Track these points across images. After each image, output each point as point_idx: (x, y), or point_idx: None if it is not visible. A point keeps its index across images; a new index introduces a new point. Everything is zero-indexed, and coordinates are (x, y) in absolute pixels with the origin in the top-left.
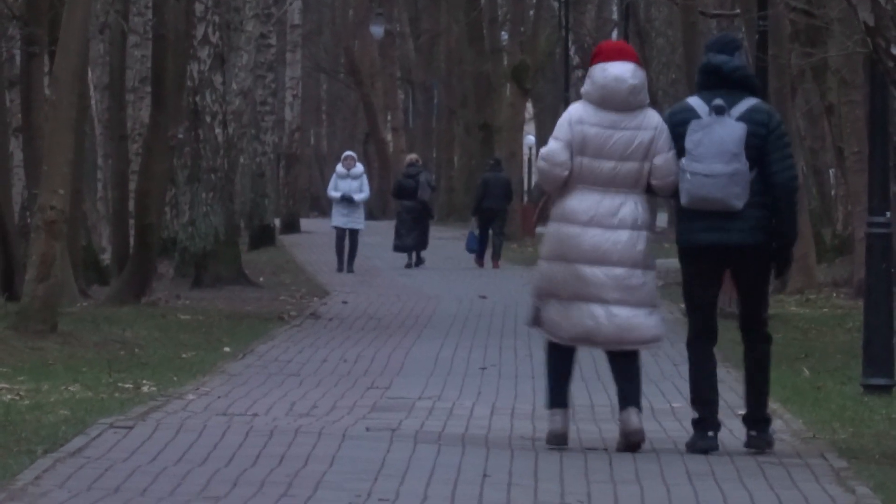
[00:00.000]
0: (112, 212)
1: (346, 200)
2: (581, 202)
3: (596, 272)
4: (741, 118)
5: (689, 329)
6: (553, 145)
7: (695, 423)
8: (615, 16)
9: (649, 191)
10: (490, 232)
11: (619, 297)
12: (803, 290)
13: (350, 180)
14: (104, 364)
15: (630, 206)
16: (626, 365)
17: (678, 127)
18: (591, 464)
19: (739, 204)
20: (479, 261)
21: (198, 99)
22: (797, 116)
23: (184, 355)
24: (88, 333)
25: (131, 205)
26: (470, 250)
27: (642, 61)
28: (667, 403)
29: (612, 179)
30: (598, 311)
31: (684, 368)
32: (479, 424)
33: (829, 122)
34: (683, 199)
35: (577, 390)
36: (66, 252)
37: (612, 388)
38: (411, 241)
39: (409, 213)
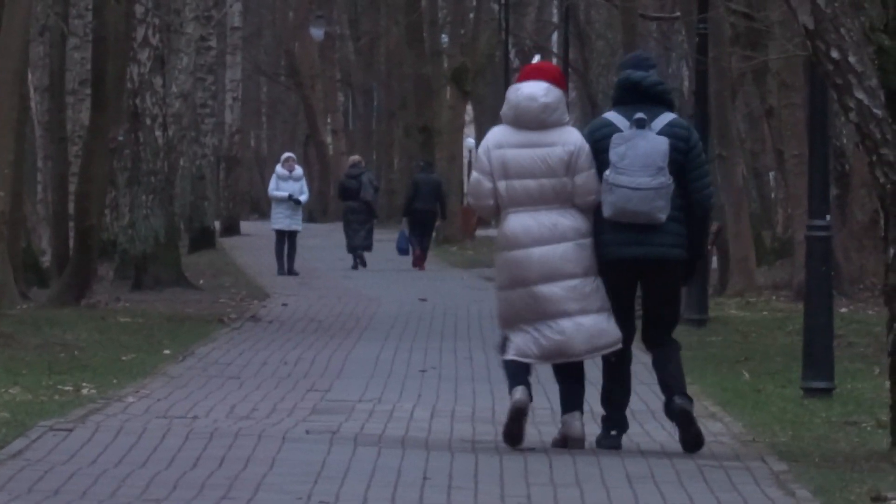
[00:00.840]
0: (52, 214)
1: (294, 202)
2: (519, 225)
3: (553, 289)
4: (662, 132)
5: None
6: (474, 178)
7: (602, 419)
8: (555, 18)
9: None
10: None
11: (580, 307)
12: (743, 293)
13: (292, 182)
14: (44, 366)
15: (567, 219)
16: (573, 370)
17: (600, 142)
18: (531, 466)
19: (663, 217)
20: (417, 262)
21: (138, 101)
22: (737, 119)
23: (124, 358)
24: (28, 336)
25: (71, 207)
26: (400, 251)
27: (581, 66)
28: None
29: (541, 197)
30: (566, 324)
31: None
32: (420, 427)
33: (770, 124)
34: (608, 212)
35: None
36: (6, 254)
37: (553, 392)
38: (359, 240)
39: (354, 213)
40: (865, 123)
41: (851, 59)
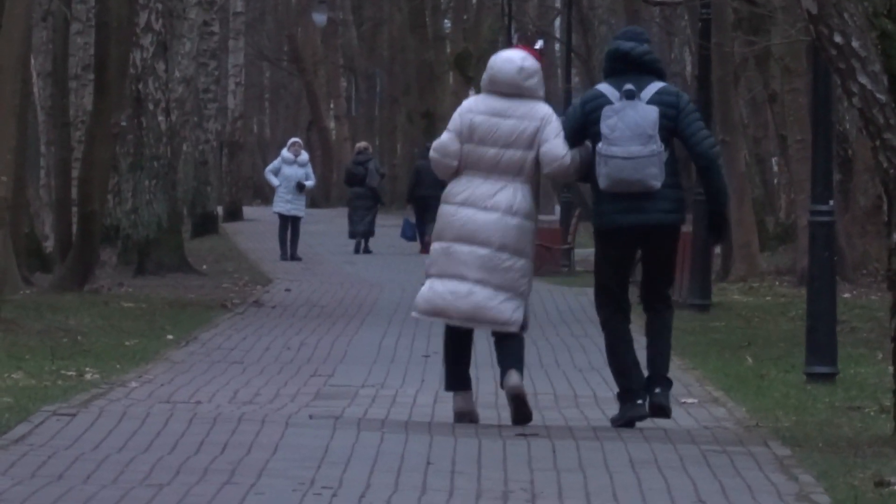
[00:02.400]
0: (55, 199)
1: (298, 187)
2: (462, 185)
3: (463, 249)
4: (651, 101)
5: (602, 310)
6: (444, 136)
7: (620, 396)
8: (558, 3)
9: (584, 174)
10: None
11: (481, 277)
12: (746, 279)
13: (297, 167)
14: (47, 352)
15: (508, 192)
16: (508, 346)
17: (592, 114)
18: (535, 452)
19: (657, 184)
20: (424, 247)
21: (140, 86)
22: (740, 104)
23: (127, 343)
24: (31, 321)
25: (74, 192)
26: (406, 238)
27: (583, 51)
28: (609, 392)
29: (494, 166)
30: (459, 287)
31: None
32: (423, 412)
33: (772, 110)
34: (603, 183)
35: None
36: (9, 239)
37: (557, 378)
38: (363, 227)
39: (360, 199)
40: (868, 108)
41: (855, 43)
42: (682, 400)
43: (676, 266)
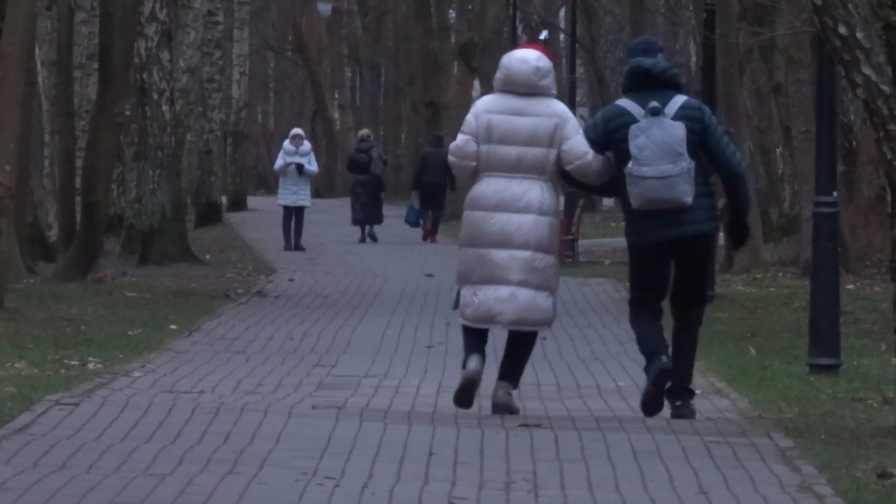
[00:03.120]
0: (59, 188)
1: (297, 169)
2: (488, 188)
3: (502, 254)
4: (676, 117)
5: (635, 311)
6: (460, 139)
7: (646, 367)
8: None
9: (569, 180)
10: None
11: (523, 278)
12: (750, 270)
13: (298, 158)
14: (50, 341)
15: (536, 192)
16: (521, 346)
17: (616, 132)
18: (537, 442)
19: (689, 199)
20: (426, 234)
21: (145, 76)
22: (745, 95)
23: (130, 332)
24: (35, 310)
25: (78, 181)
26: (410, 223)
27: (588, 42)
28: (612, 382)
29: (518, 165)
30: (503, 292)
31: (630, 347)
32: (426, 402)
33: (777, 101)
34: (636, 203)
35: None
36: (13, 228)
37: (560, 368)
38: (368, 214)
39: (363, 187)
40: (873, 100)
41: (859, 34)
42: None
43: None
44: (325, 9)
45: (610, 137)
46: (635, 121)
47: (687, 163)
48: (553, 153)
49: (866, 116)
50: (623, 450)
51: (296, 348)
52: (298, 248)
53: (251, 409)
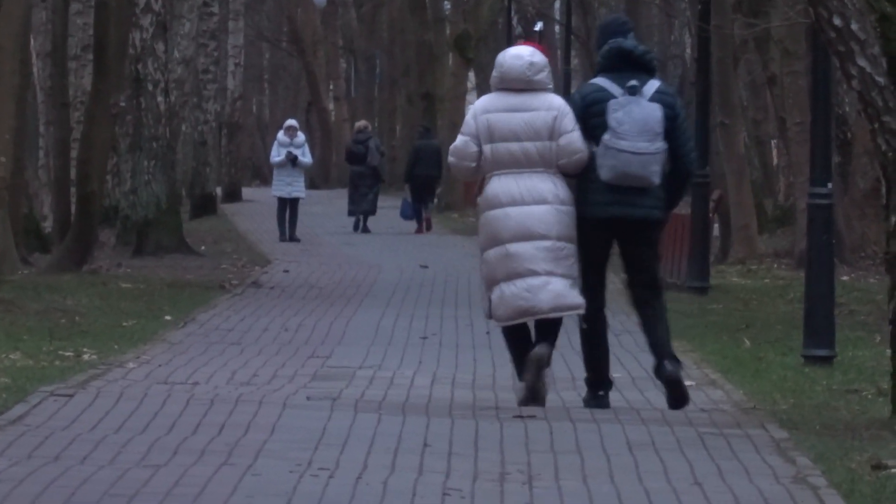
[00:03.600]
0: (54, 180)
1: (291, 161)
2: (500, 186)
3: (526, 247)
4: (653, 99)
5: (582, 295)
6: (459, 141)
7: (587, 381)
8: None
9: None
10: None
11: (549, 269)
12: (745, 261)
13: (293, 149)
14: (45, 332)
15: (548, 183)
16: (551, 331)
17: (593, 106)
18: (532, 433)
19: (657, 180)
20: (420, 227)
21: (140, 67)
22: (740, 87)
23: (125, 324)
24: (29, 301)
25: (73, 173)
26: (405, 217)
27: (583, 33)
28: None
29: (524, 160)
30: (534, 282)
31: (625, 339)
32: (420, 393)
33: (772, 92)
34: (606, 175)
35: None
36: (8, 219)
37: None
38: (366, 205)
39: (361, 178)
40: (868, 91)
41: (854, 26)
42: (687, 383)
43: (661, 256)
44: (320, 0)
45: (586, 112)
46: (613, 97)
47: (662, 143)
48: (555, 145)
49: (861, 108)
50: (617, 441)
51: (290, 339)
52: (293, 239)
53: (246, 400)
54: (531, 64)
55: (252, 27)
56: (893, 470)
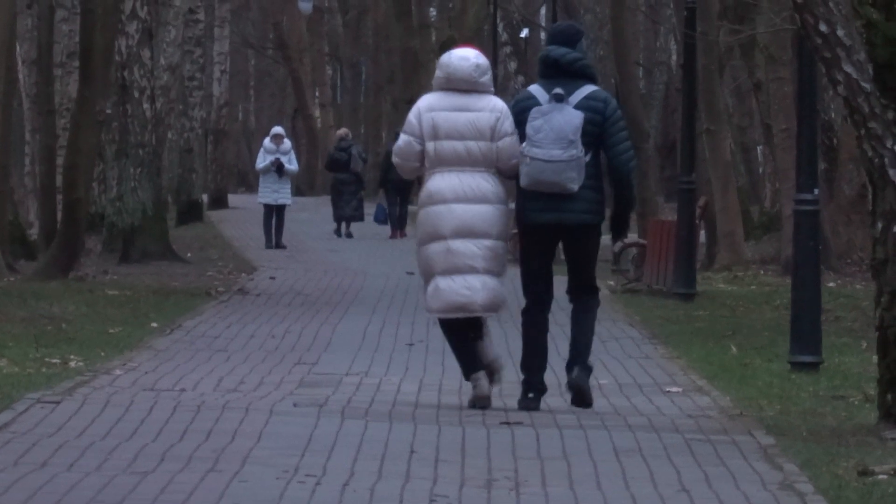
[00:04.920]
0: (40, 186)
1: (277, 169)
2: (443, 182)
3: (467, 244)
4: (578, 106)
5: (525, 297)
6: (402, 140)
7: (522, 383)
8: None
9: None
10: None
11: (488, 267)
12: (731, 267)
13: (280, 156)
14: (31, 339)
15: (489, 183)
16: (480, 329)
17: (521, 114)
18: (519, 440)
19: (575, 187)
20: (394, 232)
21: (126, 74)
22: (725, 93)
23: (111, 330)
24: (15, 308)
25: (59, 180)
26: (378, 222)
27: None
28: (594, 380)
29: (466, 158)
30: (473, 280)
31: (611, 345)
32: (407, 400)
33: (758, 99)
34: (524, 182)
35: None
36: None
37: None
38: (350, 210)
39: (344, 185)
40: (853, 97)
41: (840, 32)
42: (667, 389)
43: (597, 259)
44: (305, 7)
45: (517, 119)
46: (539, 105)
47: (578, 150)
48: (495, 146)
49: (847, 114)
50: (604, 448)
51: (277, 346)
52: (279, 246)
53: (232, 407)
54: (477, 66)
55: (238, 34)
56: (880, 476)
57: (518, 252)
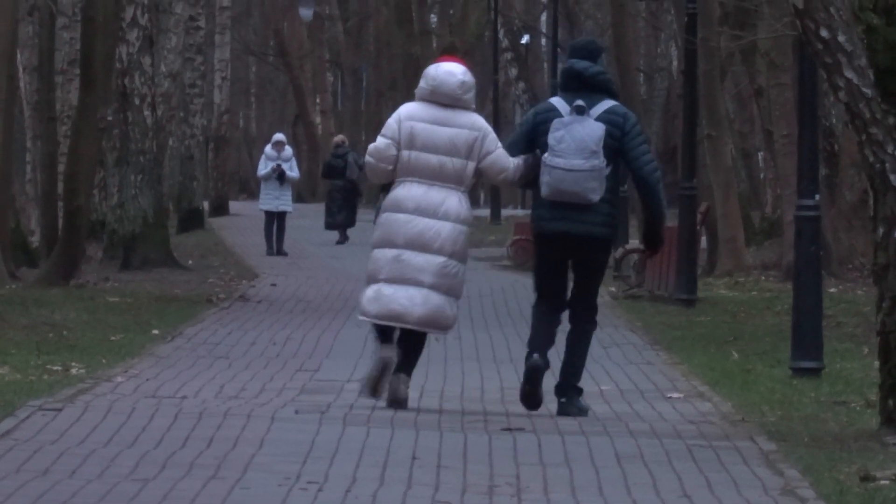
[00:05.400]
0: (41, 194)
1: (278, 177)
2: (408, 192)
3: (418, 258)
4: (600, 118)
5: (536, 300)
6: (379, 142)
7: (526, 358)
8: None
9: (528, 181)
10: None
11: (434, 283)
12: (732, 273)
13: (281, 163)
14: (33, 346)
15: (454, 201)
16: (416, 343)
17: (542, 125)
18: (520, 446)
19: (595, 197)
20: None
21: (126, 81)
22: (726, 99)
23: (112, 338)
24: (17, 315)
25: (60, 187)
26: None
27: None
28: (596, 386)
29: (438, 173)
30: (415, 293)
31: (613, 352)
32: (409, 406)
33: (759, 104)
34: (544, 191)
35: (506, 373)
36: None
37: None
38: (342, 218)
39: (339, 192)
40: (855, 103)
41: (841, 38)
42: (668, 395)
43: (603, 278)
44: (306, 14)
45: (537, 129)
46: (560, 116)
47: (599, 161)
48: (471, 165)
49: (848, 120)
50: (606, 453)
51: (278, 353)
52: (281, 252)
53: (234, 413)
54: (462, 83)
55: (239, 41)
56: (882, 482)
57: (516, 257)
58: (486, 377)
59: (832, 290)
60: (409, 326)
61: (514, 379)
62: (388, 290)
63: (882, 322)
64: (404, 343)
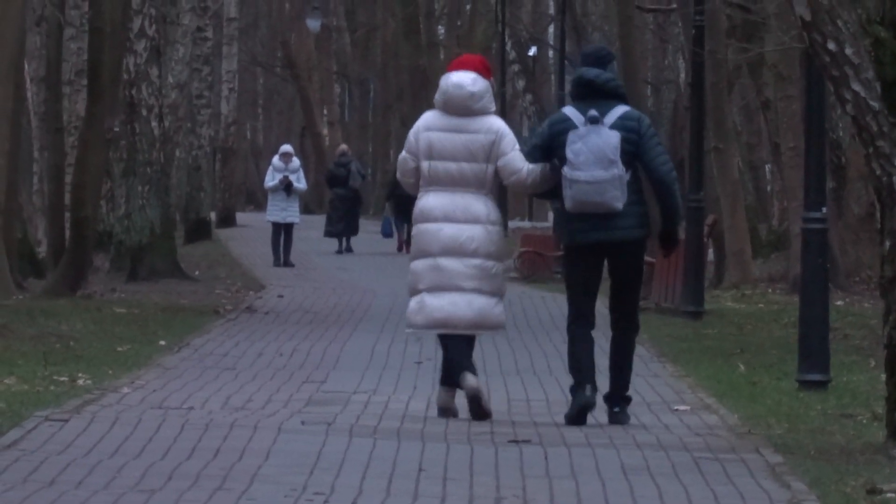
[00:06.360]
0: (48, 204)
1: (286, 189)
2: (434, 201)
3: (454, 263)
4: (614, 126)
5: (569, 315)
6: (401, 157)
7: (573, 388)
8: (552, 10)
9: (542, 191)
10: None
11: (476, 286)
12: (739, 286)
13: (288, 175)
14: (40, 357)
15: (479, 205)
16: (467, 347)
17: (558, 136)
18: (527, 458)
19: (619, 205)
20: (401, 244)
21: (134, 92)
22: (733, 111)
23: (119, 348)
24: (24, 326)
25: (67, 198)
26: (385, 235)
27: (577, 58)
28: (600, 398)
29: (459, 180)
30: (458, 298)
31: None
32: (415, 418)
33: (766, 117)
34: (569, 205)
35: (513, 385)
36: (2, 244)
37: (549, 384)
38: (343, 226)
39: (342, 200)
40: (862, 116)
41: (848, 51)
42: (675, 407)
43: (643, 281)
44: (313, 25)
45: (553, 142)
46: (575, 127)
47: (619, 170)
48: (491, 168)
49: (855, 132)
50: (612, 466)
51: (285, 364)
52: (288, 264)
53: (240, 425)
54: (471, 94)
55: (246, 52)
56: (889, 494)
57: (522, 268)
58: (493, 389)
59: (839, 302)
60: (458, 332)
61: (520, 391)
62: (430, 299)
63: (889, 335)
64: (455, 349)
